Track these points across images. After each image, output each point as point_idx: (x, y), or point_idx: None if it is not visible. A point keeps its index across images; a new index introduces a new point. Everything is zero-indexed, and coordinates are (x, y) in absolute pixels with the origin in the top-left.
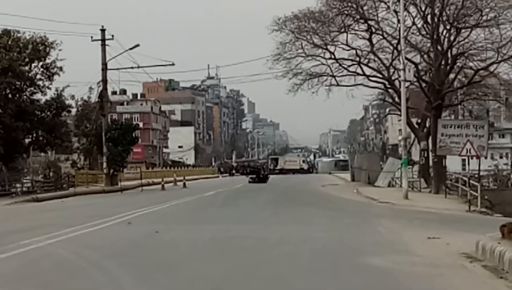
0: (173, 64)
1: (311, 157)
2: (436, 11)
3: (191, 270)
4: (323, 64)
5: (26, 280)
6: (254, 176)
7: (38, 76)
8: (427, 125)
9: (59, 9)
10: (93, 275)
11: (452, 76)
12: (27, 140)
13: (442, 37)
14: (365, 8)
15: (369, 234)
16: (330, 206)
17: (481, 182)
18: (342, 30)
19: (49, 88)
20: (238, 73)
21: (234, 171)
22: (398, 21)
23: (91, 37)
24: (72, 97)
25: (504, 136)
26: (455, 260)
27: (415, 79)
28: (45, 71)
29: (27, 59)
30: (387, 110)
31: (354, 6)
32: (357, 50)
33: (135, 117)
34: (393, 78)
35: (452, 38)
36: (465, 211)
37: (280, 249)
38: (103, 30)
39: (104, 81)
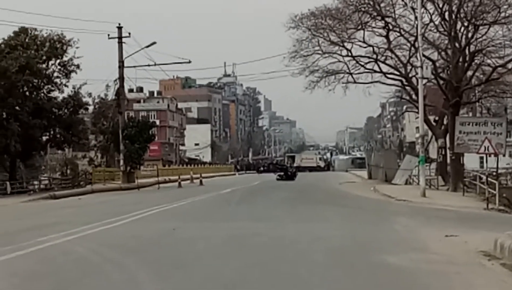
0: (189, 62)
1: (328, 154)
2: (454, 8)
3: (207, 268)
4: (340, 61)
5: (43, 277)
6: (282, 173)
7: (55, 74)
8: (445, 122)
9: (76, 7)
10: (110, 273)
11: (470, 73)
12: (44, 138)
13: (459, 34)
14: (382, 5)
15: (386, 232)
16: (347, 204)
17: (499, 180)
18: (359, 27)
19: (66, 86)
20: (255, 71)
21: (262, 169)
22: (416, 18)
23: (108, 35)
24: (89, 94)
25: None
26: (473, 258)
27: (432, 77)
28: (62, 68)
29: (44, 57)
30: (404, 107)
31: (371, 3)
32: (374, 47)
33: (151, 115)
34: (410, 75)
35: (470, 35)
36: (483, 209)
37: (296, 247)
38: (120, 28)
39: (121, 78)
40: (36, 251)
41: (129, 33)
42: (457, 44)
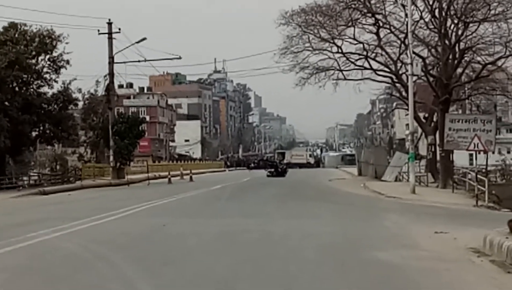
0: (179, 58)
1: (318, 151)
2: (444, 5)
3: (198, 264)
4: (330, 58)
5: (32, 273)
6: (273, 170)
7: (45, 69)
8: (435, 119)
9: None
10: (100, 269)
11: (459, 70)
12: (34, 133)
13: (449, 31)
14: (372, 2)
15: (376, 229)
16: (337, 201)
17: (489, 177)
18: (350, 24)
19: (56, 81)
20: (245, 67)
21: (252, 165)
22: (406, 15)
23: (98, 30)
24: (79, 90)
25: (511, 131)
26: (462, 255)
27: (422, 73)
28: (52, 64)
29: (34, 52)
30: (394, 104)
31: (362, 0)
32: (365, 44)
33: (141, 111)
34: (400, 72)
35: (460, 32)
36: (473, 205)
37: (286, 244)
38: (110, 24)
39: (111, 74)
40: (25, 247)
41: (119, 29)
42: (447, 41)
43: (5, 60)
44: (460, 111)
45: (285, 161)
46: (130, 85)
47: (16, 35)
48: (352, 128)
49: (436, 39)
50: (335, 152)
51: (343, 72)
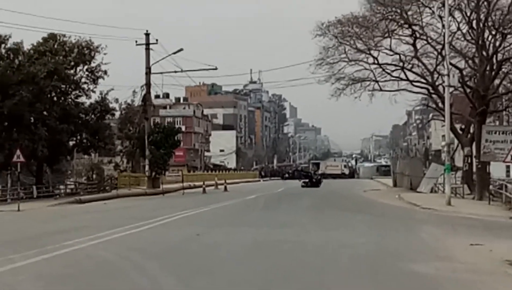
0: (216, 68)
1: (353, 162)
2: (482, 16)
3: (231, 274)
4: (366, 69)
5: (68, 281)
6: (307, 180)
7: (83, 80)
8: (471, 131)
9: (104, 13)
10: (134, 277)
11: (497, 81)
12: (71, 143)
13: (487, 43)
14: (409, 13)
15: (411, 240)
16: (371, 212)
17: None
18: (386, 35)
19: (94, 92)
20: (281, 78)
21: (286, 175)
22: (443, 26)
23: (136, 41)
24: (116, 100)
25: None
26: (498, 267)
27: (459, 85)
28: (90, 74)
29: (72, 63)
30: (431, 115)
31: (399, 11)
32: (401, 55)
33: (177, 121)
34: (437, 83)
35: (497, 43)
36: (509, 218)
37: (320, 254)
38: (147, 35)
39: (148, 84)
40: (61, 254)
41: (157, 40)
42: (484, 53)
43: (44, 71)
44: (497, 123)
45: (319, 172)
46: (167, 95)
47: (55, 46)
48: (388, 139)
49: (474, 50)
50: (370, 163)
51: (379, 83)
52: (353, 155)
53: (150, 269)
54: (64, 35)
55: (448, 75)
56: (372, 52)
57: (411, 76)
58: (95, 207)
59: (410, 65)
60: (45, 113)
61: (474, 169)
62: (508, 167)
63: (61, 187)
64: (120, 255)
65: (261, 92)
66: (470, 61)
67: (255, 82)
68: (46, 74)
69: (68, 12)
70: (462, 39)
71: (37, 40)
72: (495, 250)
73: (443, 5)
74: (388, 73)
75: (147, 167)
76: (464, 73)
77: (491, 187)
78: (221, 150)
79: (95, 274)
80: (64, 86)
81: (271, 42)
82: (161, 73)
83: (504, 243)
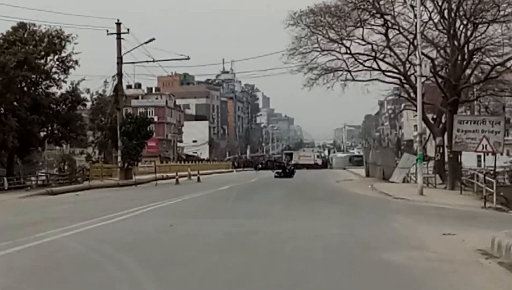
0: (188, 58)
1: (326, 152)
2: (453, 6)
3: (205, 264)
4: (339, 59)
5: (40, 273)
6: (280, 171)
7: (54, 70)
8: (443, 120)
9: (75, 2)
10: (107, 269)
11: (468, 71)
12: (42, 134)
13: (458, 32)
14: (381, 2)
15: (384, 230)
16: (344, 202)
17: (497, 179)
18: (358, 24)
19: (65, 82)
20: (253, 68)
21: (259, 166)
22: (415, 16)
23: (107, 30)
24: (87, 90)
25: None
26: (470, 257)
27: (431, 75)
28: (60, 64)
29: (42, 53)
30: (403, 105)
31: (371, 0)
32: (373, 45)
33: (150, 111)
34: (409, 73)
35: (469, 33)
36: (481, 207)
37: (294, 244)
38: (118, 24)
39: (119, 75)
40: (33, 246)
41: (128, 29)
42: (456, 42)
43: (14, 60)
44: (468, 113)
45: (292, 162)
46: (139, 86)
47: (25, 35)
48: (360, 129)
49: (445, 40)
50: (342, 153)
51: (352, 73)
52: (326, 145)
53: (123, 260)
54: (34, 25)
55: (420, 65)
56: (344, 42)
57: (383, 66)
58: (67, 198)
59: (382, 55)
60: (15, 103)
61: (446, 159)
62: (479, 156)
63: (33, 178)
64: (92, 246)
65: (234, 82)
66: (441, 51)
67: (227, 72)
68: (16, 64)
69: (39, 1)
70: (434, 28)
71: (7, 29)
72: (467, 239)
73: None
74: (361, 63)
75: (119, 158)
76: (436, 63)
77: (462, 177)
78: (194, 141)
79: (67, 266)
80: (34, 76)
81: (244, 32)
82: (133, 63)
83: (476, 232)
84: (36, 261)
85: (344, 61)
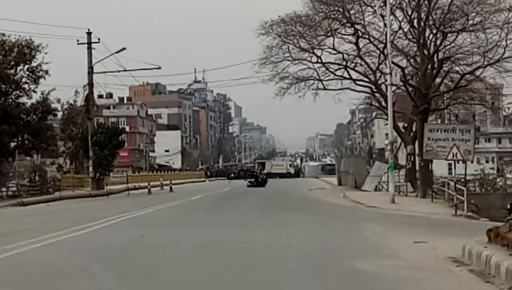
0: (159, 68)
1: (298, 161)
2: (423, 15)
3: (177, 275)
4: (310, 68)
5: (10, 285)
6: (253, 180)
7: (24, 80)
8: (414, 129)
9: (44, 12)
10: (78, 280)
11: (438, 80)
12: (12, 144)
13: (428, 42)
14: (351, 12)
15: (356, 238)
16: (317, 210)
17: (468, 186)
18: (329, 34)
19: (35, 92)
20: (225, 77)
21: (232, 175)
22: (385, 25)
23: (77, 40)
24: (58, 100)
25: (490, 141)
26: (441, 264)
27: (401, 83)
28: (30, 74)
29: (12, 62)
30: (374, 114)
31: (341, 10)
32: (344, 54)
33: (121, 121)
34: (379, 82)
35: (438, 42)
36: (452, 215)
37: (265, 254)
38: (89, 34)
39: (90, 84)
40: (3, 258)
41: (99, 39)
42: (425, 51)
43: None
44: (439, 121)
45: (265, 171)
46: (110, 95)
47: None
48: (332, 138)
49: (415, 49)
50: (315, 162)
51: (323, 82)
52: (298, 154)
53: (94, 271)
54: (3, 34)
55: (390, 74)
56: (315, 51)
57: (354, 75)
58: (38, 209)
59: (353, 64)
60: None
61: (417, 167)
62: (450, 165)
63: (3, 189)
64: (63, 257)
65: (206, 92)
66: (411, 60)
67: (199, 82)
68: None
69: (8, 11)
70: (404, 38)
71: None
72: (438, 247)
73: (385, 4)
74: (332, 72)
75: (91, 168)
76: (406, 71)
77: (434, 185)
78: (166, 150)
79: (38, 278)
80: (4, 86)
81: (216, 41)
82: (104, 72)
83: (447, 240)
84: (6, 272)
85: (315, 70)
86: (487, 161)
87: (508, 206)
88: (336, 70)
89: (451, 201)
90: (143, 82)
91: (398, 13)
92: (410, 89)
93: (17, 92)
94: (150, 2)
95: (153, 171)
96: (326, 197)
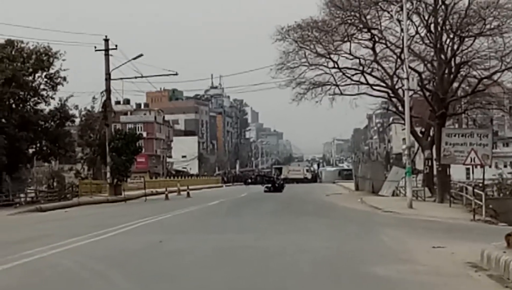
0: (176, 74)
1: (315, 166)
2: (439, 20)
3: (194, 280)
4: (327, 73)
5: None
6: (270, 185)
7: (42, 86)
8: (431, 134)
9: (62, 19)
10: (96, 285)
11: (455, 85)
12: (30, 150)
13: (445, 46)
14: (368, 17)
15: (373, 243)
16: (334, 216)
17: (486, 191)
18: (345, 39)
19: (53, 98)
20: (242, 83)
21: (249, 181)
22: (401, 30)
23: (95, 47)
24: (76, 107)
25: (508, 145)
26: (460, 269)
27: (418, 88)
28: (48, 81)
29: (30, 69)
30: (391, 119)
31: (357, 15)
32: (361, 59)
33: (138, 127)
34: (396, 87)
35: (455, 47)
36: (470, 220)
37: (282, 259)
38: (106, 40)
39: (108, 91)
40: (21, 264)
41: (116, 46)
42: (442, 56)
43: (2, 78)
44: (456, 126)
45: (282, 177)
46: (127, 102)
47: (13, 52)
48: (349, 143)
49: (432, 54)
50: (332, 167)
51: (340, 87)
52: (315, 159)
53: (111, 276)
54: (22, 41)
55: (407, 79)
56: (332, 56)
57: (371, 80)
58: (56, 215)
59: (370, 69)
60: (3, 120)
61: (435, 172)
62: (468, 169)
63: (21, 195)
64: (81, 263)
65: (223, 97)
66: (429, 65)
67: (216, 87)
68: (4, 81)
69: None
70: (421, 42)
71: None
72: (456, 252)
73: (401, 9)
74: (348, 77)
75: (108, 174)
76: (423, 76)
77: (451, 189)
78: (183, 156)
79: (56, 283)
80: (22, 93)
81: (232, 47)
82: (121, 79)
83: (466, 245)
84: (24, 278)
85: (332, 75)
86: (505, 166)
87: None
88: (352, 75)
89: (469, 206)
90: (160, 88)
91: (415, 18)
92: (427, 94)
93: (35, 98)
94: (167, 9)
95: (170, 176)
96: (343, 202)
